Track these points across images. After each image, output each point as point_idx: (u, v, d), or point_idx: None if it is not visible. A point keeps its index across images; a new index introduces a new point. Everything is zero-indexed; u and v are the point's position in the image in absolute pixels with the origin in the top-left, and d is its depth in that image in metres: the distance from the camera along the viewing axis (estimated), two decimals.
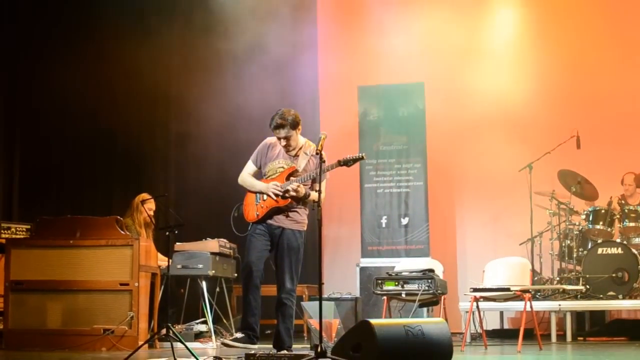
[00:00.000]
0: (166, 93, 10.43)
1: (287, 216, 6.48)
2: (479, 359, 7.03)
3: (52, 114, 9.76)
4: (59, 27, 9.87)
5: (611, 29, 10.45)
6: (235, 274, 8.94)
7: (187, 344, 6.43)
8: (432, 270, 7.73)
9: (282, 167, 6.52)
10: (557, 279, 9.54)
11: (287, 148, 6.51)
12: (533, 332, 8.06)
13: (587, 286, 8.96)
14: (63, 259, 7.59)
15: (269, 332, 6.85)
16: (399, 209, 10.12)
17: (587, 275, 8.99)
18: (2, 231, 8.61)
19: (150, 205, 8.42)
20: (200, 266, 8.27)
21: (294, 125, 6.45)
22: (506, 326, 10.07)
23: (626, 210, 9.40)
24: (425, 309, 8.80)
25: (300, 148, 6.56)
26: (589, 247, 9.37)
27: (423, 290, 7.55)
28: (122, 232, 7.69)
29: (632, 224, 9.34)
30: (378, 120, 10.32)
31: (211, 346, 8.02)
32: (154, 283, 7.88)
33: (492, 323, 9.68)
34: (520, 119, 10.50)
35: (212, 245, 8.45)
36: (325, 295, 7.84)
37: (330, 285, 9.23)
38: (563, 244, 9.60)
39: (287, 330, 6.44)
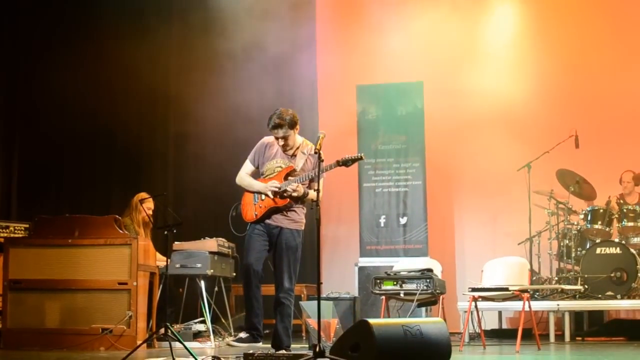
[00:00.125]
0: (165, 92, 10.43)
1: (286, 216, 6.49)
2: (477, 359, 7.03)
3: (51, 113, 9.75)
4: (59, 27, 9.87)
5: (610, 29, 10.45)
6: (234, 273, 8.95)
7: (186, 343, 6.43)
8: (430, 270, 7.73)
9: (280, 167, 6.53)
10: (556, 278, 9.54)
11: (284, 147, 6.51)
12: (531, 332, 8.07)
13: (586, 286, 8.96)
14: (61, 258, 7.59)
15: (267, 331, 6.84)
16: (398, 208, 10.12)
17: (586, 275, 8.98)
18: (1, 230, 8.61)
19: (149, 205, 8.42)
20: (199, 265, 8.27)
21: (292, 124, 6.45)
22: (505, 326, 10.07)
23: (625, 210, 9.41)
24: (423, 309, 8.81)
25: (298, 147, 6.57)
26: (588, 246, 9.37)
27: (421, 290, 7.54)
28: (121, 231, 7.69)
29: (630, 224, 9.34)
30: (377, 120, 10.31)
31: (210, 346, 8.02)
32: (152, 282, 7.88)
33: (490, 323, 9.69)
34: (519, 119, 10.51)
35: (211, 244, 8.45)
36: (323, 295, 7.83)
37: (328, 285, 9.23)
38: (561, 244, 9.60)
39: (285, 329, 6.44)
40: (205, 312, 8.26)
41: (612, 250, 8.96)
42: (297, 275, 6.57)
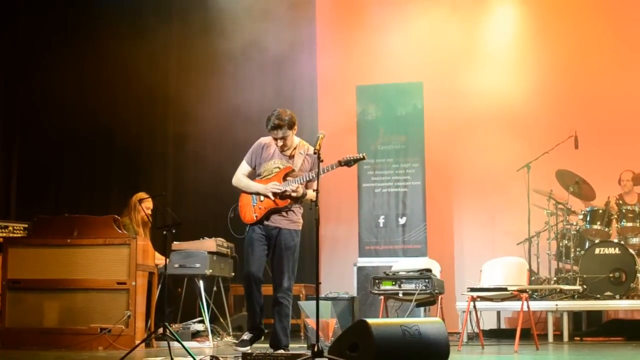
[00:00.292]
0: (164, 92, 10.42)
1: (284, 216, 6.50)
2: (475, 359, 7.03)
3: (51, 113, 9.75)
4: (59, 27, 9.86)
5: (610, 30, 10.46)
6: (233, 273, 8.95)
7: (184, 343, 6.44)
8: (429, 270, 7.73)
9: (278, 167, 6.53)
10: (555, 279, 9.55)
11: (283, 148, 6.52)
12: (530, 332, 8.08)
13: (584, 286, 8.96)
14: (60, 257, 7.59)
15: (266, 331, 6.85)
16: (397, 208, 10.12)
17: (584, 275, 8.99)
18: (0, 230, 8.61)
19: (148, 205, 8.42)
20: (198, 265, 8.27)
21: (291, 125, 6.46)
22: (503, 326, 10.08)
23: (623, 210, 9.41)
24: (422, 309, 8.81)
25: (295, 148, 6.57)
26: (586, 247, 9.37)
27: (420, 290, 7.54)
28: (120, 231, 7.69)
29: (629, 224, 9.35)
30: (376, 120, 10.31)
31: (208, 345, 8.02)
32: (151, 282, 7.88)
33: (489, 323, 9.69)
34: (519, 119, 10.51)
35: (210, 244, 8.45)
36: (322, 295, 7.83)
37: (327, 285, 9.23)
38: (560, 244, 9.60)
39: (283, 329, 6.45)
40: (204, 312, 8.26)
41: (611, 250, 8.97)
42: (295, 275, 6.58)
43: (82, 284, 7.52)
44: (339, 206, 10.91)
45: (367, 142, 10.20)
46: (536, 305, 8.74)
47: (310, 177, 6.44)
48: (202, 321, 8.33)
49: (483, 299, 7.76)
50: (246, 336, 6.51)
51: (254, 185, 6.56)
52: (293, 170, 6.51)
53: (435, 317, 6.98)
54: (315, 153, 5.85)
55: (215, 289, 8.72)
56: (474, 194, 10.74)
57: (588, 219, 9.47)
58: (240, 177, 6.65)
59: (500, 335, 9.56)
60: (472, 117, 10.65)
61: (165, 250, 7.11)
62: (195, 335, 8.26)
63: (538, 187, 9.81)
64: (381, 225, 10.12)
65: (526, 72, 10.63)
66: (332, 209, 10.88)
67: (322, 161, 5.95)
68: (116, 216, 7.85)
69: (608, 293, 8.83)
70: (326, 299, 7.84)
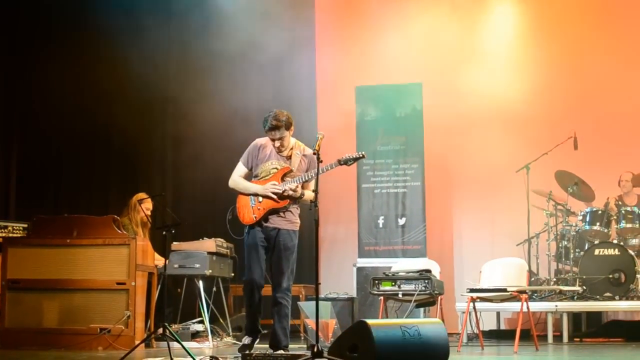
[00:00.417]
0: (163, 93, 10.41)
1: (282, 217, 6.51)
2: None
3: (50, 113, 9.75)
4: (57, 28, 9.85)
5: (610, 30, 10.46)
6: (232, 274, 8.94)
7: (184, 343, 6.44)
8: (429, 271, 7.73)
9: (276, 168, 6.54)
10: (554, 279, 9.55)
11: (280, 149, 6.53)
12: (529, 332, 8.08)
13: (584, 287, 8.96)
14: (60, 258, 7.60)
15: (265, 331, 6.85)
16: (396, 209, 10.12)
17: (584, 276, 8.99)
18: None
19: (148, 205, 8.42)
20: (197, 266, 8.27)
21: (288, 125, 6.48)
22: (503, 327, 10.07)
23: (623, 212, 9.41)
24: (422, 310, 8.81)
25: (292, 148, 6.58)
26: (586, 248, 9.37)
27: (420, 291, 7.54)
28: (119, 231, 7.69)
29: (628, 225, 9.35)
30: (376, 121, 10.31)
31: (208, 346, 8.02)
32: (150, 282, 7.88)
33: (488, 324, 9.69)
34: (518, 120, 10.51)
35: (209, 244, 8.45)
36: (322, 296, 7.84)
37: (327, 286, 9.23)
38: (560, 245, 9.60)
39: (283, 329, 6.45)
40: (204, 312, 8.26)
41: (611, 251, 8.96)
42: (294, 275, 6.59)
43: (81, 284, 7.52)
44: (339, 207, 10.91)
45: (366, 143, 10.19)
46: (536, 306, 8.74)
47: (308, 177, 6.46)
48: (201, 321, 8.33)
49: (483, 299, 7.76)
50: (247, 340, 6.51)
51: (252, 186, 6.56)
52: (291, 171, 6.52)
53: (434, 318, 6.99)
54: (314, 154, 5.87)
55: (214, 289, 8.72)
56: (474, 194, 10.74)
57: (587, 220, 9.47)
58: (237, 178, 6.65)
59: (499, 336, 9.55)
60: (472, 118, 10.65)
61: (164, 251, 7.11)
62: (195, 335, 8.25)
63: (537, 188, 9.81)
64: (381, 225, 10.12)
65: (526, 72, 10.63)
66: (332, 210, 10.88)
67: (321, 162, 5.97)
68: (115, 216, 7.85)
69: (607, 294, 8.83)
70: (326, 299, 7.85)
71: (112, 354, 6.84)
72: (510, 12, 10.88)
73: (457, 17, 10.85)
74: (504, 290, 7.56)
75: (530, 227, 9.66)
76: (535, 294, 9.09)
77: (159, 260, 8.07)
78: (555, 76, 10.59)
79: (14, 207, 9.37)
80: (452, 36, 10.79)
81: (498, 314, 9.91)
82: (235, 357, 6.38)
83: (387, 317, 7.91)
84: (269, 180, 6.50)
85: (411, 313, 8.08)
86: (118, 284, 7.48)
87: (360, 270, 9.89)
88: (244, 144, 6.87)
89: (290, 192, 6.41)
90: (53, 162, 9.93)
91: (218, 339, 8.34)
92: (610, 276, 8.89)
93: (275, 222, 6.50)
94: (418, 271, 7.75)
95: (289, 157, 6.56)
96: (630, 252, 8.97)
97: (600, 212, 9.45)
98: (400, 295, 7.69)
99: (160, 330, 6.52)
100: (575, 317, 9.35)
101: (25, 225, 8.52)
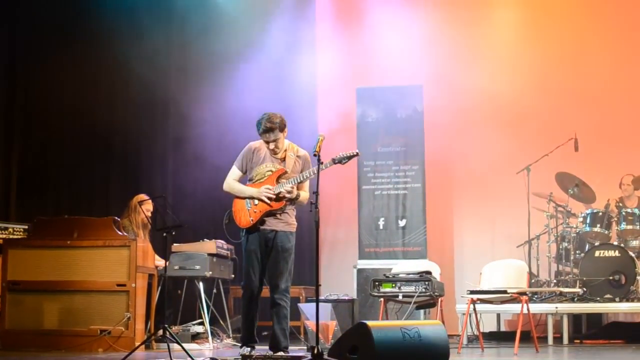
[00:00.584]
0: (164, 94, 10.41)
1: (279, 219, 6.52)
2: None
3: (50, 114, 9.74)
4: (58, 28, 9.85)
5: (611, 31, 10.46)
6: (233, 275, 8.94)
7: (184, 345, 6.44)
8: (429, 272, 7.73)
9: (271, 170, 6.54)
10: (554, 281, 9.55)
11: (274, 151, 6.53)
12: (530, 334, 8.08)
13: (584, 289, 8.96)
14: (60, 259, 7.60)
15: (265, 333, 6.85)
16: (397, 210, 10.12)
17: (584, 278, 8.98)
18: (0, 231, 8.60)
19: (148, 206, 8.41)
20: (198, 267, 8.28)
21: (282, 127, 6.50)
22: (503, 328, 10.07)
23: (623, 213, 9.40)
24: (422, 311, 8.81)
25: (286, 150, 6.59)
26: (586, 249, 9.37)
27: (420, 292, 7.55)
28: (120, 232, 7.70)
29: (629, 227, 9.34)
30: (376, 122, 10.31)
31: (208, 347, 8.02)
32: (151, 284, 7.89)
33: (488, 325, 9.68)
34: (519, 121, 10.51)
35: (210, 246, 8.46)
36: (322, 297, 7.83)
37: (327, 287, 9.22)
38: (560, 247, 9.59)
39: (282, 330, 6.45)
40: (204, 313, 8.26)
41: (611, 253, 8.96)
42: (292, 276, 6.59)
43: (81, 285, 7.52)
44: (339, 208, 10.91)
45: (367, 145, 10.20)
46: (536, 308, 8.73)
47: (303, 178, 6.47)
48: (201, 323, 8.33)
49: (483, 301, 7.76)
50: (246, 350, 6.50)
51: (248, 190, 6.56)
52: (286, 172, 6.53)
53: (435, 320, 6.99)
54: (315, 155, 5.89)
55: (215, 290, 8.72)
56: (474, 196, 10.74)
57: (588, 221, 9.46)
58: (232, 182, 6.65)
59: (500, 337, 9.54)
60: (472, 120, 10.66)
61: (165, 252, 7.11)
62: (195, 337, 8.26)
63: (538, 189, 9.81)
64: (381, 227, 10.12)
65: (526, 74, 10.62)
66: (332, 211, 10.88)
67: (322, 163, 5.99)
68: (116, 218, 7.85)
69: (608, 296, 8.83)
70: (326, 301, 7.83)
71: (112, 356, 6.84)
72: (511, 13, 10.87)
73: (457, 19, 10.84)
74: (504, 292, 7.56)
75: (531, 229, 9.66)
76: (536, 296, 9.09)
77: (160, 262, 8.07)
78: (556, 78, 10.59)
79: (15, 209, 9.37)
80: (452, 38, 10.79)
81: (498, 315, 9.90)
82: (235, 359, 6.38)
83: (387, 319, 7.91)
84: (264, 183, 6.51)
85: (411, 315, 8.08)
86: (118, 285, 7.48)
87: (360, 271, 9.89)
88: (244, 145, 6.87)
89: (286, 194, 6.42)
90: (53, 164, 9.92)
91: (218, 340, 8.35)
92: (611, 278, 8.88)
93: (272, 224, 6.51)
94: (418, 273, 7.75)
95: (283, 159, 6.58)
96: (631, 253, 8.96)
97: (600, 213, 9.45)
98: (400, 297, 7.69)
99: (161, 332, 6.52)
100: (575, 318, 9.35)
101: (26, 227, 8.53)
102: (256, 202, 6.49)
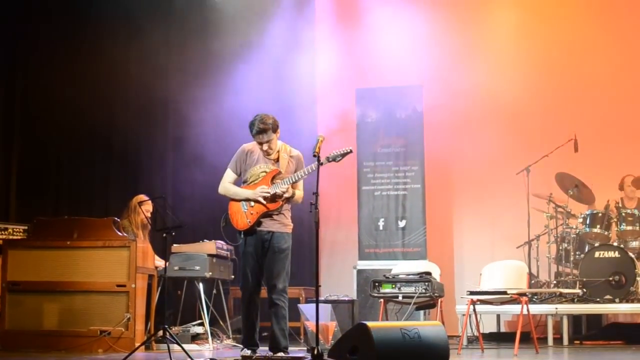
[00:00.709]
0: (163, 95, 10.41)
1: (276, 220, 6.53)
2: None
3: (50, 115, 9.74)
4: (57, 29, 9.86)
5: (610, 33, 10.44)
6: (232, 276, 8.94)
7: (184, 345, 6.45)
8: (429, 273, 7.73)
9: (265, 171, 6.56)
10: (554, 282, 9.54)
11: (268, 152, 6.54)
12: (530, 335, 8.07)
13: (584, 290, 8.96)
14: (60, 260, 7.60)
15: (265, 334, 6.85)
16: (397, 211, 10.12)
17: (584, 279, 8.98)
18: None
19: (148, 207, 8.41)
20: (198, 268, 8.28)
21: (275, 128, 6.53)
22: (503, 329, 10.07)
23: (623, 214, 9.40)
24: (422, 312, 8.81)
25: (278, 151, 6.60)
26: (586, 250, 9.37)
27: (420, 293, 7.55)
28: (120, 233, 7.70)
29: (629, 228, 9.34)
30: (376, 123, 10.31)
31: (208, 348, 8.02)
32: (151, 284, 7.89)
33: (488, 326, 9.68)
34: (519, 122, 10.51)
35: (209, 247, 8.46)
36: (322, 298, 7.83)
37: (327, 288, 9.22)
38: (560, 247, 9.59)
39: (282, 331, 6.45)
40: (204, 314, 8.26)
41: (611, 254, 8.96)
42: (289, 276, 6.59)
43: (81, 286, 7.52)
44: (339, 209, 10.91)
45: (366, 145, 10.21)
46: (536, 309, 8.73)
47: (297, 178, 6.48)
48: (201, 324, 8.33)
49: (483, 302, 7.76)
50: (248, 352, 6.50)
51: (243, 192, 6.57)
52: (280, 173, 6.54)
53: (435, 321, 6.99)
54: (314, 156, 5.90)
55: (214, 291, 8.72)
56: (474, 196, 10.74)
57: (588, 222, 9.46)
58: (227, 185, 6.66)
59: (500, 338, 9.54)
60: (472, 120, 10.65)
61: (165, 253, 7.11)
62: (195, 337, 8.26)
63: (538, 190, 9.80)
64: (381, 228, 10.12)
65: (526, 74, 10.62)
66: (332, 212, 10.88)
67: (322, 164, 6.00)
68: (116, 218, 7.85)
69: (608, 297, 8.82)
70: (326, 301, 7.84)
71: (112, 357, 6.84)
72: (511, 14, 10.85)
73: (457, 19, 10.84)
74: (504, 292, 7.56)
75: (531, 230, 9.66)
76: (536, 297, 9.09)
77: (159, 263, 8.07)
78: (556, 79, 10.59)
79: (15, 209, 9.37)
80: (452, 38, 10.78)
81: (498, 316, 9.90)
82: (235, 359, 6.38)
83: (387, 320, 7.91)
84: (258, 184, 6.52)
85: (411, 315, 8.08)
86: (118, 286, 7.48)
87: (360, 272, 9.89)
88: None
89: (282, 194, 6.44)
90: (53, 164, 9.93)
91: (218, 341, 8.35)
92: (611, 279, 8.88)
93: (268, 225, 6.52)
94: (418, 273, 7.75)
95: (277, 160, 6.59)
96: (631, 254, 8.96)
97: (600, 214, 9.44)
98: (400, 298, 7.69)
99: (160, 333, 6.52)
100: (575, 319, 9.35)
101: (26, 227, 8.53)
102: (252, 203, 6.50)
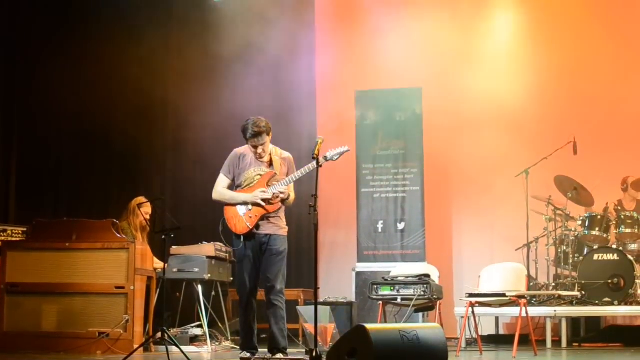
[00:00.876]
0: (163, 97, 10.42)
1: (273, 223, 6.55)
2: None
3: (50, 116, 9.75)
4: (57, 30, 9.87)
5: (609, 36, 10.46)
6: (231, 278, 8.93)
7: (182, 347, 6.45)
8: (427, 276, 7.73)
9: (259, 175, 6.56)
10: (553, 284, 9.54)
11: (261, 155, 6.54)
12: (528, 337, 8.08)
13: (583, 292, 8.95)
14: (59, 261, 7.61)
15: (263, 336, 6.85)
16: (396, 213, 10.12)
17: (583, 281, 8.98)
18: None
19: (147, 209, 8.42)
20: (196, 270, 8.27)
21: (268, 131, 6.54)
22: (501, 332, 10.07)
23: (622, 217, 9.41)
24: (420, 314, 8.80)
25: (270, 153, 6.61)
26: (585, 253, 9.37)
27: (419, 295, 7.55)
28: (118, 235, 7.70)
29: (628, 230, 9.34)
30: (375, 125, 10.31)
31: (206, 350, 8.02)
32: (149, 286, 7.89)
33: (487, 328, 9.68)
34: (518, 125, 10.52)
35: (208, 249, 8.45)
36: (320, 300, 7.84)
37: (326, 290, 9.23)
38: (559, 250, 9.59)
39: (280, 331, 6.46)
40: (202, 316, 8.25)
41: (610, 256, 8.95)
42: (286, 278, 6.59)
43: (80, 288, 7.52)
44: (338, 211, 10.91)
45: (366, 148, 10.21)
46: (535, 311, 8.73)
47: (295, 178, 6.50)
48: (200, 326, 8.33)
49: (481, 304, 7.76)
50: (245, 355, 6.50)
51: (240, 196, 6.55)
52: (275, 175, 6.55)
53: (433, 323, 6.99)
54: (314, 158, 5.90)
55: (213, 293, 8.71)
56: (473, 199, 10.74)
57: (587, 225, 9.46)
58: (222, 190, 6.64)
59: (498, 341, 9.55)
60: (471, 123, 10.65)
61: (163, 255, 7.10)
62: (194, 339, 8.26)
63: (537, 192, 9.80)
64: (380, 230, 10.11)
65: (525, 77, 10.63)
66: (331, 214, 10.87)
67: (321, 166, 6.01)
68: (115, 220, 7.85)
69: (606, 299, 8.82)
70: (325, 304, 7.84)
71: (111, 358, 6.84)
72: (510, 17, 10.88)
73: (457, 22, 10.86)
74: (503, 295, 7.56)
75: (530, 232, 9.65)
76: (534, 299, 9.09)
77: (158, 264, 8.07)
78: (555, 81, 10.60)
79: (14, 211, 9.37)
80: (452, 41, 10.80)
81: (497, 318, 9.91)
82: None
83: (385, 322, 7.91)
84: (254, 187, 6.52)
85: (410, 318, 8.08)
86: (117, 288, 7.49)
87: (359, 274, 9.88)
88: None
89: (281, 195, 6.45)
90: (52, 166, 9.93)
91: (217, 343, 8.34)
92: (609, 281, 8.87)
93: (266, 228, 6.53)
94: (417, 276, 7.76)
95: (269, 163, 6.59)
96: (630, 257, 8.96)
97: (599, 217, 9.44)
98: (399, 300, 7.69)
99: (159, 335, 6.51)
100: (574, 322, 9.35)
101: (25, 229, 8.53)
102: (250, 207, 6.49)
